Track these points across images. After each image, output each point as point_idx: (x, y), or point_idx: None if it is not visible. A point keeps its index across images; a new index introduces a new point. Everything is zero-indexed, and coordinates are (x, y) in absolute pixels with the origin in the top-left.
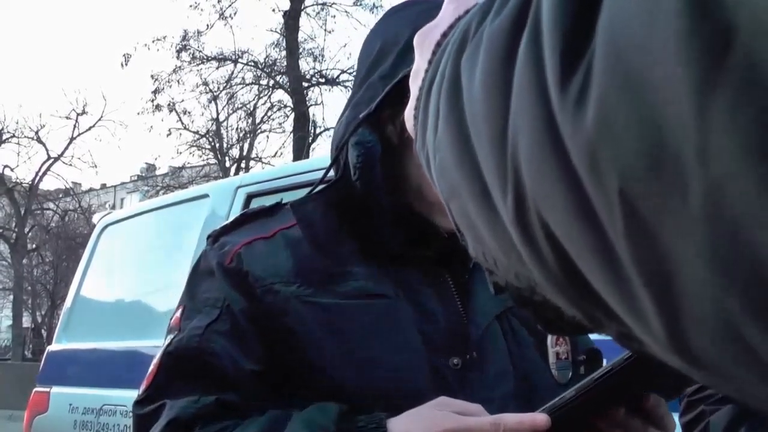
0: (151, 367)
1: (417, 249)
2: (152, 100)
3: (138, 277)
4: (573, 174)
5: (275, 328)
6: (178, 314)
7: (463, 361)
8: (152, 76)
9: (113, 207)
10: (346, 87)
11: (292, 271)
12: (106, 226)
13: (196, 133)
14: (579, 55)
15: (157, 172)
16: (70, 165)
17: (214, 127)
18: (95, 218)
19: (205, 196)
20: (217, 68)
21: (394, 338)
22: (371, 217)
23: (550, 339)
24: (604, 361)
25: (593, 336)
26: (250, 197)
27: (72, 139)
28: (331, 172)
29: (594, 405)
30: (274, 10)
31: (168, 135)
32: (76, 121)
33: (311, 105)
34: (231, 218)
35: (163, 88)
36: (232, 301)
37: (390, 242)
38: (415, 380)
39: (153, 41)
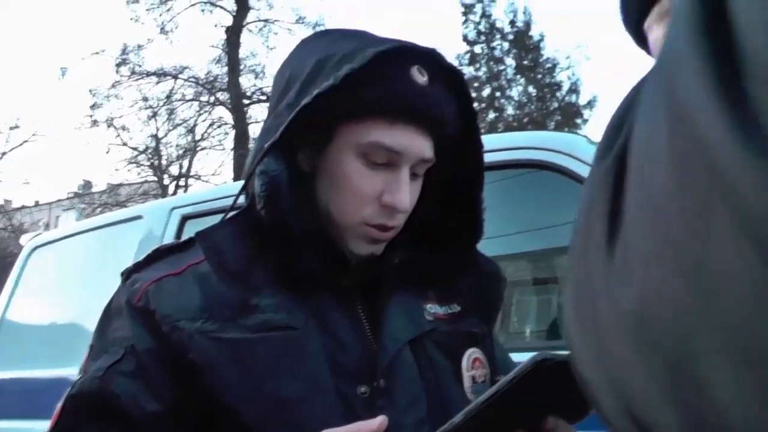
0: (56, 410)
1: (331, 275)
2: (90, 116)
3: (68, 302)
4: None
5: (182, 366)
6: (86, 354)
7: (371, 388)
8: (90, 91)
9: (48, 225)
10: None
11: (200, 307)
12: (34, 248)
13: (135, 149)
14: None
15: (94, 189)
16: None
17: (153, 144)
18: (23, 240)
19: (139, 217)
20: (157, 83)
21: (300, 370)
22: (282, 244)
23: (465, 363)
24: None
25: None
26: (185, 219)
27: (3, 154)
28: (242, 199)
29: (485, 428)
30: (216, 26)
31: (107, 152)
32: (8, 135)
33: (252, 122)
34: (166, 240)
35: (102, 104)
36: (138, 340)
37: (302, 268)
38: (322, 411)
39: (91, 54)
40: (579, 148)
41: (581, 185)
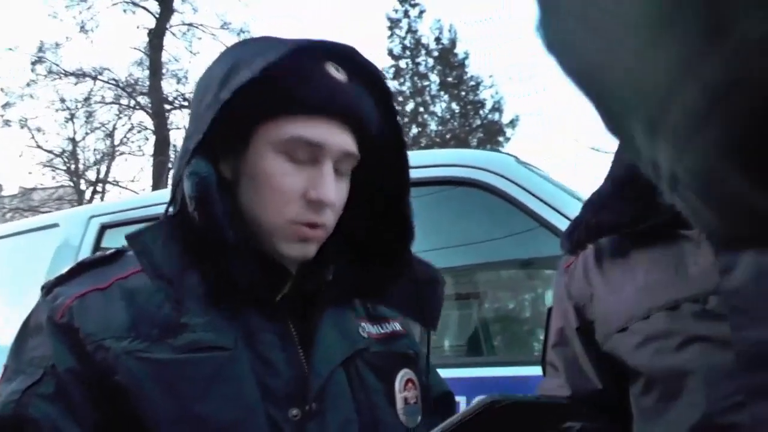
0: None
1: (268, 289)
2: (1, 115)
3: None
4: None
5: (106, 388)
6: None
7: (302, 412)
8: (2, 89)
9: None
10: None
11: (127, 325)
12: None
13: (50, 152)
14: None
15: (5, 193)
16: None
17: (69, 147)
18: None
19: (55, 225)
20: (76, 84)
21: (229, 393)
22: (217, 252)
23: (398, 384)
24: (459, 404)
25: (446, 374)
26: (104, 228)
27: None
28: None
29: None
30: (138, 27)
31: (20, 155)
32: None
33: (173, 128)
34: (83, 250)
35: (15, 103)
36: (59, 360)
37: (240, 277)
38: None
39: (4, 50)
40: (507, 167)
41: (508, 203)
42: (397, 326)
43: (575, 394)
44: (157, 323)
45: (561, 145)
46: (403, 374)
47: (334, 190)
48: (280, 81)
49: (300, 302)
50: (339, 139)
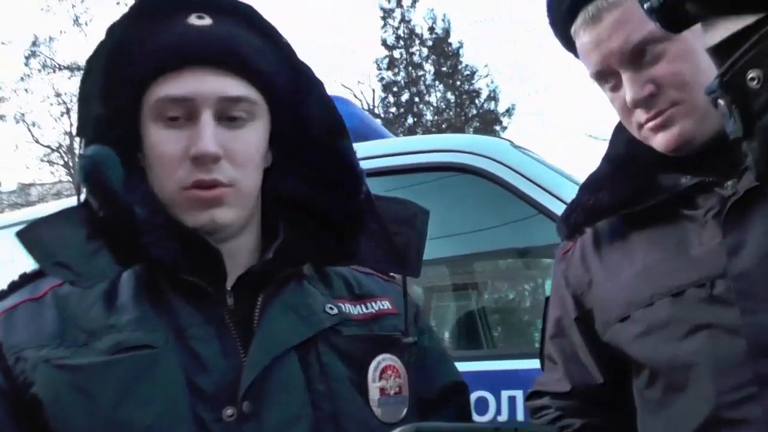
0: None
1: (199, 273)
2: None
3: None
4: None
5: (25, 402)
6: None
7: (237, 411)
8: None
9: None
10: None
11: (54, 333)
12: None
13: (48, 147)
14: None
15: (3, 189)
16: None
17: (67, 142)
18: None
19: None
20: (70, 78)
21: (153, 395)
22: (127, 235)
23: (372, 371)
24: (472, 396)
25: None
26: None
27: None
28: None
29: None
30: None
31: (15, 150)
32: None
33: None
34: None
35: (9, 98)
36: None
37: (159, 258)
38: None
39: None
40: (503, 152)
41: (504, 190)
42: (386, 304)
43: (575, 387)
44: (85, 327)
45: (557, 133)
46: (380, 360)
47: (213, 139)
48: (135, 47)
49: (246, 285)
50: (212, 85)
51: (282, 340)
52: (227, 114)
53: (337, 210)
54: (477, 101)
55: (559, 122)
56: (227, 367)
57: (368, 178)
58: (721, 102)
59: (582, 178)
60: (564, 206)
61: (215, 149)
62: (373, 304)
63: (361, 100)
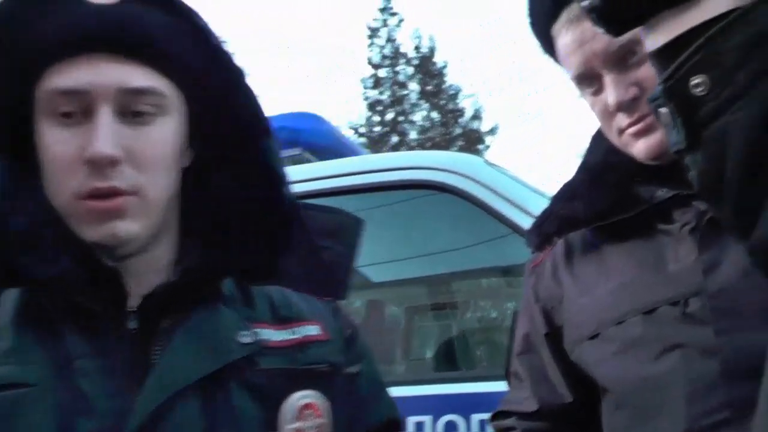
0: None
1: (88, 291)
2: None
3: None
4: None
5: None
6: None
7: None
8: None
9: None
10: None
11: None
12: None
13: None
14: None
15: None
16: None
17: None
18: None
19: None
20: None
21: None
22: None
23: (286, 412)
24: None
25: (419, 391)
26: None
27: None
28: None
29: None
30: None
31: None
32: None
33: None
34: None
35: None
36: None
37: (46, 279)
38: None
39: None
40: (477, 169)
41: (479, 208)
42: (314, 330)
43: (543, 407)
44: None
45: (543, 152)
46: (299, 398)
47: (111, 139)
48: (20, 30)
49: (153, 307)
50: (111, 75)
51: (180, 376)
52: (131, 109)
53: (261, 219)
54: (461, 120)
55: (546, 144)
56: (112, 408)
57: (341, 197)
58: (663, 110)
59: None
60: None
61: (112, 151)
62: (300, 329)
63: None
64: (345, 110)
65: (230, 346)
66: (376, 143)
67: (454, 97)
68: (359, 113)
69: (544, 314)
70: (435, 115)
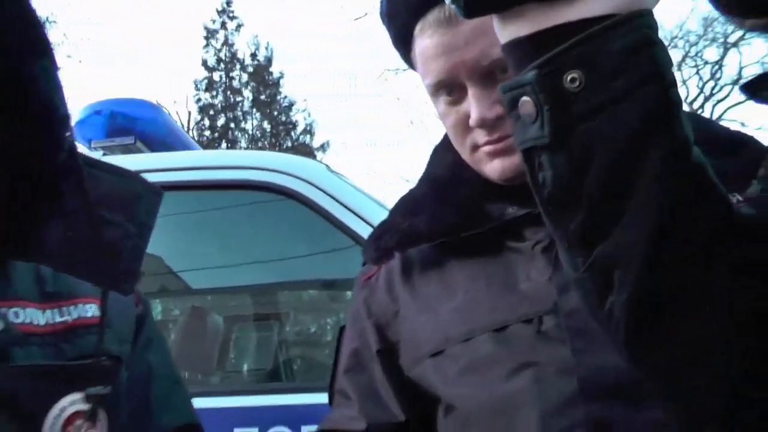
0: None
1: None
2: None
3: None
4: None
5: None
6: None
7: None
8: None
9: None
10: None
11: None
12: None
13: None
14: None
15: None
16: None
17: None
18: None
19: None
20: None
21: None
22: None
23: (49, 425)
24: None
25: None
26: None
27: None
28: None
29: None
30: None
31: None
32: None
33: None
34: None
35: None
36: None
37: None
38: None
39: None
40: (319, 174)
41: (317, 215)
42: (90, 311)
43: (371, 426)
44: None
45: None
46: (66, 404)
47: None
48: None
49: None
50: None
51: None
52: None
53: (24, 167)
54: (293, 133)
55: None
56: None
57: (174, 191)
58: (526, 100)
59: None
60: None
61: None
62: (72, 309)
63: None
64: (174, 111)
65: None
66: (206, 148)
67: (287, 109)
68: (192, 116)
69: (377, 329)
70: (267, 125)
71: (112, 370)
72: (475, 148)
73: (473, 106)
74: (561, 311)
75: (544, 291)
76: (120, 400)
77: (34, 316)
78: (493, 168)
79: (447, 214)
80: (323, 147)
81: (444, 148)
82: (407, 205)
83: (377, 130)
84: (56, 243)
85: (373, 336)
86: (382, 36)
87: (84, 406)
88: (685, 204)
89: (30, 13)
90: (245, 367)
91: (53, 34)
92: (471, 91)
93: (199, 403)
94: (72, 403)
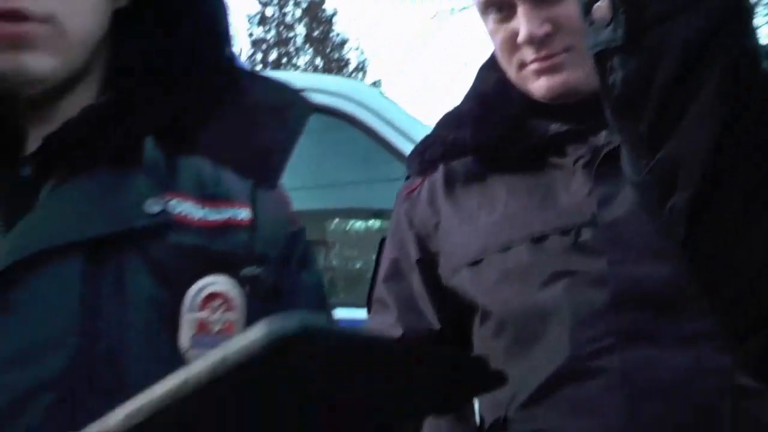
0: None
1: None
2: None
3: None
4: None
5: None
6: None
7: None
8: None
9: None
10: None
11: None
12: None
13: None
14: None
15: None
16: None
17: None
18: None
19: None
20: None
21: None
22: None
23: (190, 298)
24: None
25: None
26: None
27: None
28: None
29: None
30: None
31: None
32: None
33: None
34: None
35: None
36: None
37: None
38: None
39: None
40: (373, 98)
41: (369, 138)
42: (243, 214)
43: (408, 334)
44: None
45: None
46: (205, 285)
47: None
48: None
49: (47, 155)
50: None
51: (53, 234)
52: None
53: (194, 76)
54: (345, 71)
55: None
56: None
57: None
58: (601, 4)
59: None
60: None
61: None
62: (226, 210)
63: None
64: None
65: (130, 213)
66: None
67: (340, 46)
68: (242, 50)
69: (418, 240)
70: (319, 61)
71: (247, 261)
72: (522, 65)
73: (522, 22)
74: (599, 223)
75: (583, 204)
76: (263, 298)
77: (191, 210)
78: (539, 86)
79: (492, 128)
80: (375, 85)
81: (490, 67)
82: (452, 119)
83: (430, 71)
84: (215, 140)
85: (414, 246)
86: None
87: (224, 289)
88: (750, 109)
89: None
90: None
91: None
92: (521, 8)
93: None
94: (212, 283)
